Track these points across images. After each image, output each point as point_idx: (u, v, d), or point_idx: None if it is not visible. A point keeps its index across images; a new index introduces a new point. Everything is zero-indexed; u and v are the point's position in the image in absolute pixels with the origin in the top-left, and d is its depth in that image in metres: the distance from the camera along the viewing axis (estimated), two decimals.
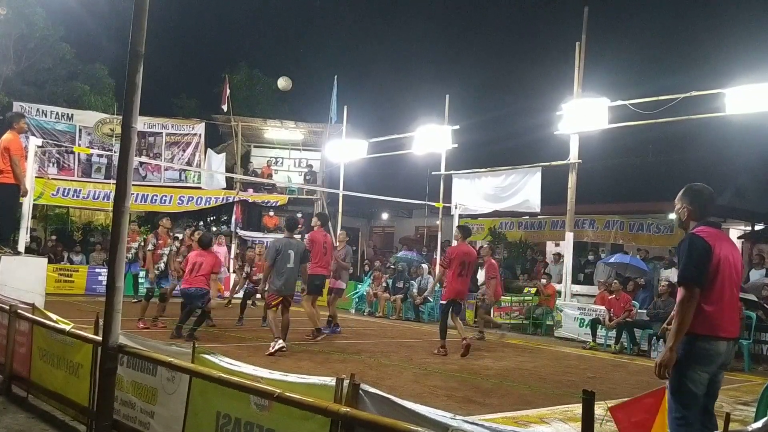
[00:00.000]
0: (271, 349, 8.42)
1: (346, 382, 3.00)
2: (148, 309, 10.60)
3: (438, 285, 15.81)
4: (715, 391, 3.67)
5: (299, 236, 10.53)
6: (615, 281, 12.33)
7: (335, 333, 11.39)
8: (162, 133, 21.03)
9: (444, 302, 9.83)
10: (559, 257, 16.72)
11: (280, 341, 8.54)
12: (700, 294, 3.52)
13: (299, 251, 8.97)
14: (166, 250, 10.78)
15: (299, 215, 22.60)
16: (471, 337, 9.94)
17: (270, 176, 22.45)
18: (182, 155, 20.97)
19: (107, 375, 4.05)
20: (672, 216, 18.27)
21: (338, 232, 13.58)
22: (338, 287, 11.94)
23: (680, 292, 3.55)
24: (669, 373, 3.51)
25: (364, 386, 2.99)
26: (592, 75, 14.43)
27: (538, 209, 15.25)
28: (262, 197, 21.72)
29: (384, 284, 16.34)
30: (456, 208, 15.79)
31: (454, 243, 10.45)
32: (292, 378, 3.38)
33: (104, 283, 4.47)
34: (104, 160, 19.97)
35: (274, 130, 23.09)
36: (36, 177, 12.04)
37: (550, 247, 20.15)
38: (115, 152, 16.37)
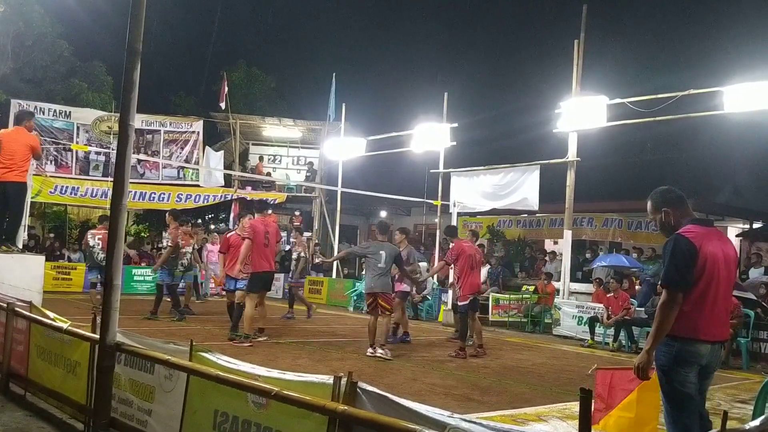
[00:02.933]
0: (372, 351, 8.63)
1: (343, 380, 3.00)
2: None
3: (436, 283, 15.95)
4: (702, 393, 3.59)
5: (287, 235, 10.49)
6: (612, 280, 12.34)
7: (405, 342, 10.57)
8: (160, 130, 21.02)
9: (466, 302, 9.51)
10: (554, 255, 16.73)
11: (380, 349, 8.62)
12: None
13: (393, 256, 8.94)
14: (189, 249, 12.23)
15: (297, 213, 22.64)
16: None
17: (269, 174, 22.45)
18: (180, 153, 20.96)
19: (105, 373, 4.05)
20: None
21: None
22: (402, 290, 10.76)
23: (663, 295, 3.45)
24: (648, 374, 3.45)
25: (362, 384, 2.99)
26: (591, 73, 14.42)
27: (536, 207, 15.25)
28: (261, 195, 21.71)
29: None
30: (454, 206, 15.78)
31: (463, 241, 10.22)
32: (290, 376, 3.38)
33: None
34: (102, 158, 19.96)
35: (272, 128, 23.09)
36: (34, 174, 12.03)
37: (549, 246, 20.17)
38: (113, 150, 16.35)
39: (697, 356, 3.45)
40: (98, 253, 11.54)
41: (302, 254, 13.59)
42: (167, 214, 12.32)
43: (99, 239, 11.74)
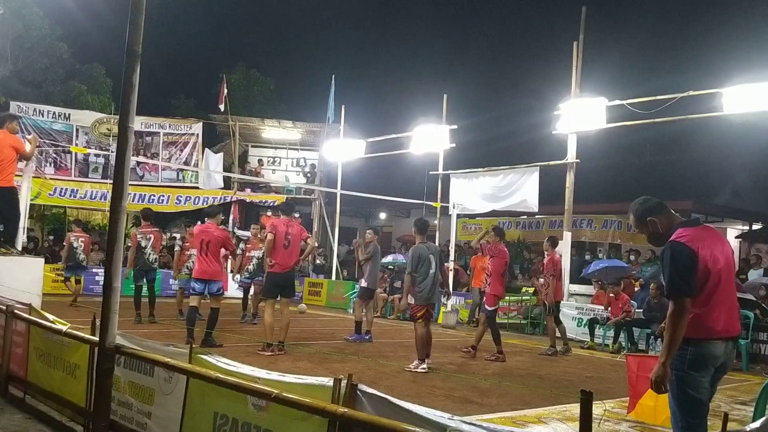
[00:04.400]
0: (413, 368, 7.91)
1: (343, 383, 2.99)
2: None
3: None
4: (712, 391, 3.53)
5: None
6: (610, 286, 12.34)
7: (365, 341, 10.57)
8: (159, 132, 21.02)
9: (494, 307, 9.52)
10: None
11: (424, 365, 7.95)
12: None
13: (437, 255, 8.43)
14: (257, 253, 11.72)
15: (297, 215, 22.61)
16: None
17: (259, 174, 22.46)
18: (180, 155, 20.97)
19: (104, 375, 4.04)
20: None
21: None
22: (362, 286, 10.94)
23: (670, 306, 3.37)
24: (666, 387, 3.36)
25: (362, 386, 2.98)
26: (590, 74, 14.44)
27: (535, 209, 15.25)
28: (260, 197, 21.72)
29: (385, 285, 16.21)
30: (454, 207, 15.78)
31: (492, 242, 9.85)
32: (290, 378, 3.37)
33: (101, 283, 4.45)
34: (101, 160, 19.96)
35: (271, 130, 23.10)
36: (33, 177, 12.03)
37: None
38: (112, 152, 16.34)
39: (712, 357, 3.39)
40: (80, 254, 13.34)
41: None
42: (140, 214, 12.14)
43: (82, 241, 13.37)
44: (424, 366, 7.94)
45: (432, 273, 8.17)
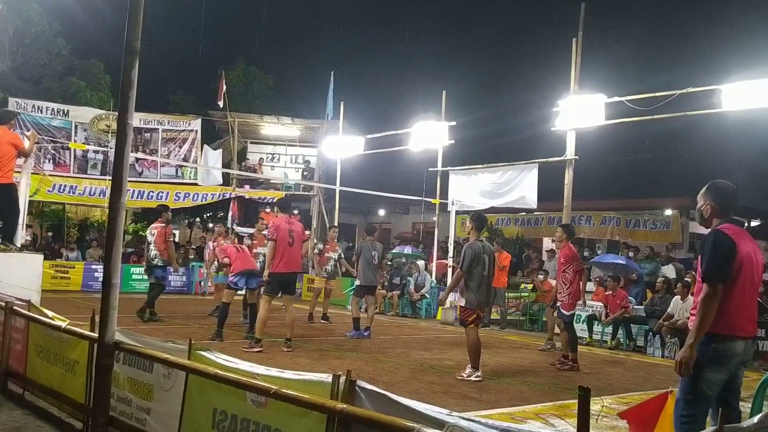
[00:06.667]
0: (465, 376, 7.41)
1: (342, 379, 3.00)
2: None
3: (434, 282, 15.93)
4: (736, 387, 3.69)
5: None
6: (609, 279, 12.36)
7: (363, 337, 10.53)
8: (158, 129, 20.97)
9: (570, 312, 8.94)
10: (553, 254, 16.73)
11: (478, 372, 7.44)
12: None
13: (492, 256, 7.93)
14: (334, 255, 12.35)
15: (296, 212, 22.59)
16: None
17: (255, 171, 22.46)
18: (179, 151, 20.92)
19: (103, 372, 4.05)
20: (668, 212, 18.35)
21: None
22: (358, 284, 10.94)
23: (704, 289, 3.50)
24: (691, 370, 3.45)
25: (361, 383, 2.99)
26: (589, 71, 14.42)
27: (534, 205, 15.25)
28: (259, 193, 21.70)
29: (383, 281, 16.21)
30: (453, 204, 15.77)
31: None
32: (289, 375, 3.38)
33: (100, 279, 4.46)
34: (100, 157, 19.91)
35: (270, 127, 23.07)
36: (32, 173, 12.01)
37: (547, 244, 20.21)
38: (111, 148, 16.30)
39: (733, 354, 3.55)
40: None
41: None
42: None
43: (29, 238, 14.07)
44: (479, 374, 7.43)
45: (485, 275, 7.72)
